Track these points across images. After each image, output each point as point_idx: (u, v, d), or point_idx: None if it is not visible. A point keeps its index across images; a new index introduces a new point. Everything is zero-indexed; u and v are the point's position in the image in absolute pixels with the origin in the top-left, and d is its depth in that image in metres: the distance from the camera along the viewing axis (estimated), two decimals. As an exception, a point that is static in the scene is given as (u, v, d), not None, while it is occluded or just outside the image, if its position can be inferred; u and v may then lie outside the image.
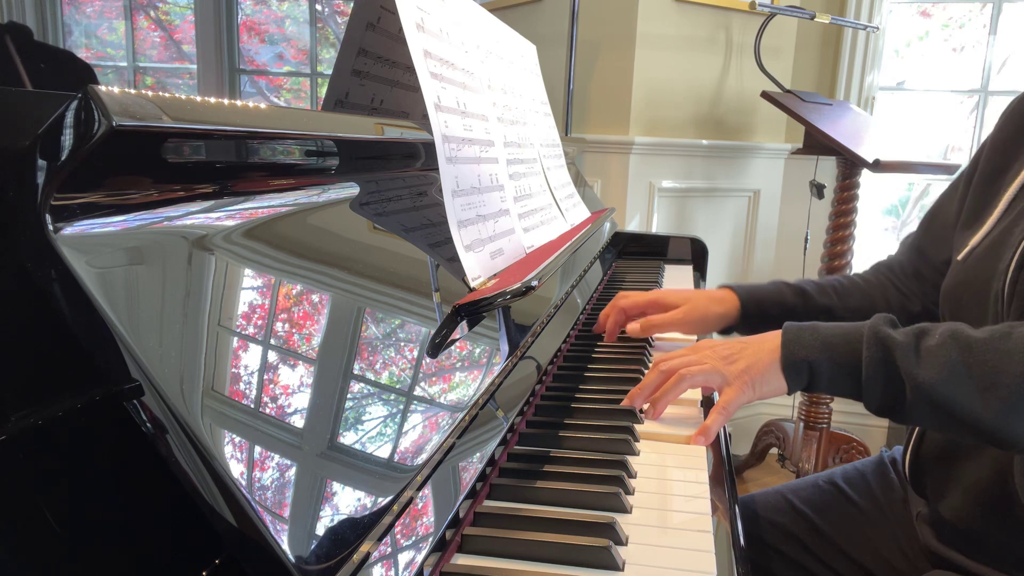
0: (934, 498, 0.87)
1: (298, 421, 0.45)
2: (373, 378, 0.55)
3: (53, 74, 0.64)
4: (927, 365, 0.70)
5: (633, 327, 1.04)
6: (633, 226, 2.38)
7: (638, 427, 0.80)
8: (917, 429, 0.89)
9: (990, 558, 0.81)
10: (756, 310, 1.06)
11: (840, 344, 0.75)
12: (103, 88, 0.38)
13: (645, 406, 0.83)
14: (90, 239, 0.39)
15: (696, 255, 1.78)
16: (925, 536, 0.88)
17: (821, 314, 1.05)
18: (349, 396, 0.51)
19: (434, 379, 0.62)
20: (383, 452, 0.50)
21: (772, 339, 0.79)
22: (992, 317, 0.81)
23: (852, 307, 1.05)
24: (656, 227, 2.42)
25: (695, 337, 1.13)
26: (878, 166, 2.04)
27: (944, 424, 0.71)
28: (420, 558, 0.47)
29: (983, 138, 1.03)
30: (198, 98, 0.47)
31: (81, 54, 0.72)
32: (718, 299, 1.06)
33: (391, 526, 0.46)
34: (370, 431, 0.50)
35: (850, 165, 2.20)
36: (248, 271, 0.49)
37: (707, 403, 0.86)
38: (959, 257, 0.89)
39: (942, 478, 0.85)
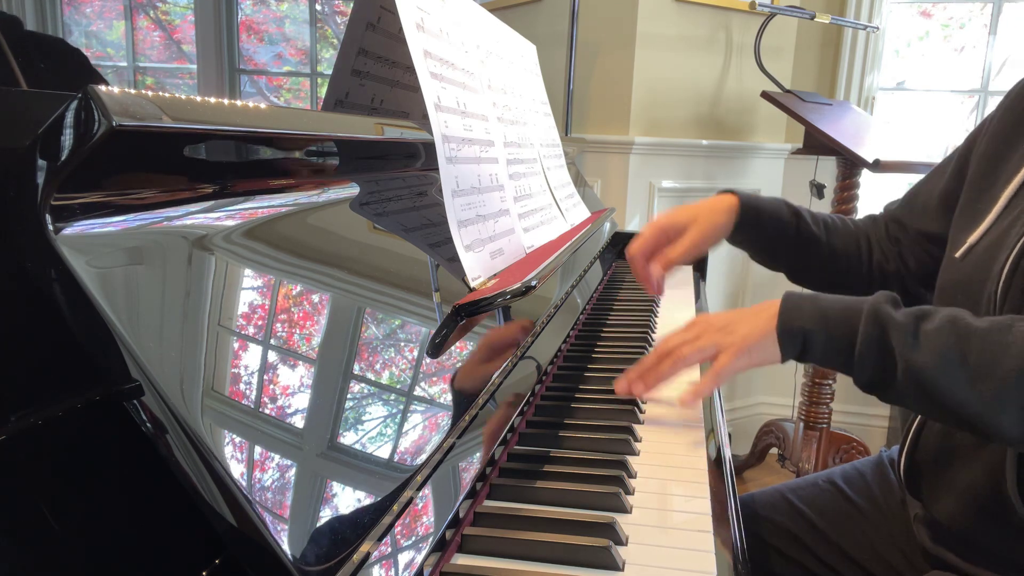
0: (929, 501, 0.87)
1: (298, 421, 0.45)
2: (373, 378, 0.55)
3: (45, 62, 0.63)
4: (923, 348, 0.69)
5: (655, 272, 1.00)
6: (633, 226, 2.38)
7: (637, 427, 0.80)
8: (913, 432, 0.89)
9: (986, 561, 0.81)
10: (754, 216, 1.05)
11: (838, 317, 0.75)
12: (103, 88, 0.38)
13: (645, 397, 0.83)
14: (90, 239, 0.39)
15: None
16: (922, 537, 0.88)
17: (808, 241, 1.06)
18: (349, 396, 0.51)
19: (434, 379, 0.62)
20: (383, 452, 0.50)
21: (771, 307, 0.79)
22: (987, 315, 0.80)
23: (835, 245, 1.06)
24: (656, 227, 2.41)
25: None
26: (878, 166, 2.04)
27: (929, 408, 0.71)
28: (420, 558, 0.47)
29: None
30: (198, 98, 0.47)
31: (81, 54, 0.72)
32: (721, 207, 1.05)
33: (391, 526, 0.46)
34: (370, 431, 0.50)
35: (850, 165, 2.20)
36: (248, 271, 0.49)
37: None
38: (957, 255, 0.88)
39: (936, 482, 0.85)
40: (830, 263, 1.07)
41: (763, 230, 1.06)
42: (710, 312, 0.92)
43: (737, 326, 0.79)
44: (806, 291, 0.79)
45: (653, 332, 1.17)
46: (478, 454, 0.61)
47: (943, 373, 0.68)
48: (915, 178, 1.07)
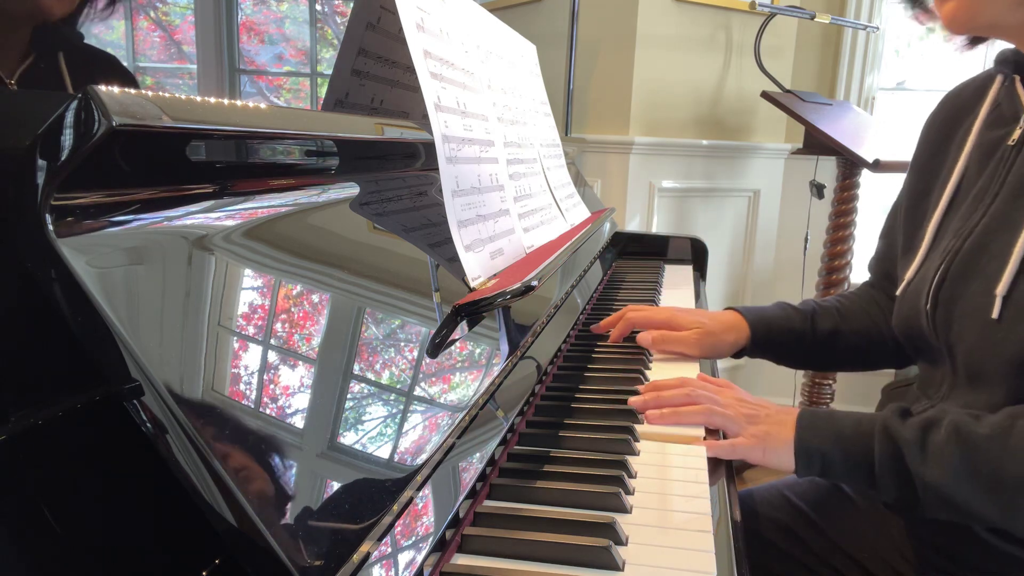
0: (904, 514, 0.88)
1: (298, 421, 0.45)
2: (373, 378, 0.55)
3: (95, 78, 0.64)
4: (933, 464, 0.70)
5: (645, 338, 1.03)
6: (633, 226, 2.38)
7: (638, 427, 0.80)
8: None
9: (967, 569, 0.82)
10: (765, 336, 1.06)
11: (853, 438, 0.75)
12: (103, 88, 0.38)
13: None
14: (90, 239, 0.39)
15: (696, 255, 1.78)
16: (911, 540, 0.89)
17: (828, 338, 1.06)
18: (349, 396, 0.51)
19: (434, 379, 0.62)
20: (383, 452, 0.50)
21: (790, 418, 0.79)
22: (934, 350, 0.83)
23: (856, 329, 1.06)
24: (656, 227, 2.42)
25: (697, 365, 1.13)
26: (878, 166, 2.04)
27: (958, 518, 0.72)
28: (420, 558, 0.47)
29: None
30: (198, 98, 0.47)
31: (81, 54, 0.72)
32: (730, 326, 1.06)
33: (391, 526, 0.46)
34: (370, 431, 0.50)
35: (850, 165, 2.20)
36: (248, 271, 0.49)
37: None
38: (897, 293, 0.90)
39: None
40: (856, 349, 1.07)
41: (780, 345, 1.07)
42: (725, 380, 0.92)
43: (762, 423, 0.80)
44: (820, 410, 0.80)
45: (653, 332, 1.17)
46: (478, 454, 0.61)
47: (958, 487, 0.69)
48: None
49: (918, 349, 0.89)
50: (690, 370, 0.99)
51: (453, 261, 0.76)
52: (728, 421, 0.80)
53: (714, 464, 0.74)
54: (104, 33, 0.75)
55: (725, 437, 0.80)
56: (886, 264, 1.06)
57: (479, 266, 0.80)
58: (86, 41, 0.72)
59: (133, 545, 0.38)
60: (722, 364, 2.53)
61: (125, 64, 0.76)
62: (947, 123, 0.93)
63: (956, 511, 0.70)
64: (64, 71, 0.60)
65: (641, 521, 0.62)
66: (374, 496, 0.46)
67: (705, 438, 0.79)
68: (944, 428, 0.71)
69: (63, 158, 0.38)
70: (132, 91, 0.42)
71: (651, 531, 0.60)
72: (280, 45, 0.94)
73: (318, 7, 0.99)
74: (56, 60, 0.60)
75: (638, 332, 1.08)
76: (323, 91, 0.87)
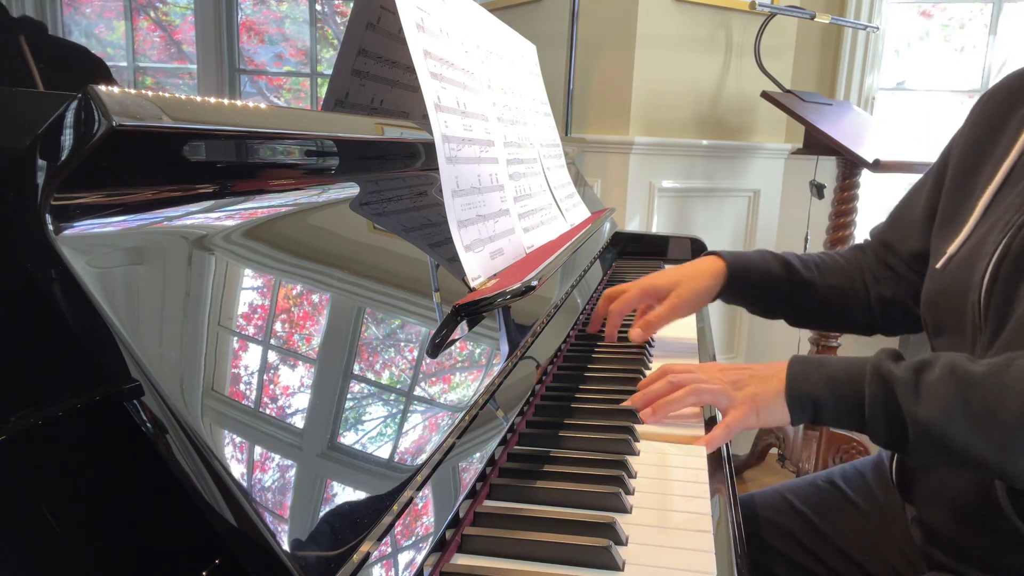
0: (921, 506, 0.87)
1: (298, 421, 0.45)
2: (373, 378, 0.55)
3: (65, 69, 0.63)
4: (926, 402, 0.69)
5: (635, 335, 1.03)
6: (633, 226, 2.38)
7: (638, 427, 0.80)
8: None
9: (979, 565, 0.81)
10: (742, 277, 1.06)
11: (844, 381, 0.75)
12: (103, 88, 0.38)
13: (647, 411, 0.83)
14: (90, 239, 0.39)
15: (696, 255, 1.78)
16: (919, 539, 0.89)
17: (802, 287, 1.06)
18: (349, 396, 0.51)
19: (434, 379, 0.62)
20: (383, 452, 0.50)
21: (778, 370, 0.79)
22: (971, 327, 0.81)
23: (831, 284, 1.06)
24: (656, 227, 2.42)
25: (693, 328, 1.13)
26: (878, 166, 2.04)
27: (948, 460, 0.71)
28: (420, 558, 0.47)
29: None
30: (198, 98, 0.47)
31: (81, 54, 0.72)
32: (706, 272, 1.06)
33: (391, 526, 0.46)
34: (370, 431, 0.50)
35: (850, 165, 2.20)
36: (248, 271, 0.49)
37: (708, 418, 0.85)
38: (937, 265, 0.88)
39: (927, 488, 0.85)
40: (828, 304, 1.07)
41: (755, 288, 1.07)
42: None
43: (747, 384, 0.79)
44: (811, 356, 0.80)
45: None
46: (478, 454, 0.61)
47: (950, 424, 0.68)
48: (914, 178, 1.07)
49: (945, 324, 0.87)
50: (689, 363, 0.99)
51: (453, 261, 0.76)
52: (716, 394, 0.79)
53: (714, 464, 0.74)
54: (104, 34, 0.75)
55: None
56: (889, 234, 1.05)
57: (479, 266, 0.79)
58: (87, 43, 0.72)
59: (133, 545, 0.38)
60: (722, 364, 2.53)
61: (124, 64, 0.76)
62: (1009, 99, 0.91)
63: (948, 452, 0.69)
64: (29, 58, 0.60)
65: (641, 521, 0.62)
66: (374, 496, 0.46)
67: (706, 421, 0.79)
68: (938, 368, 0.70)
69: (63, 158, 0.38)
70: (132, 91, 0.42)
71: (651, 531, 0.60)
72: (280, 45, 0.95)
73: (318, 7, 0.99)
74: (19, 46, 0.60)
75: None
76: (323, 91, 0.87)
